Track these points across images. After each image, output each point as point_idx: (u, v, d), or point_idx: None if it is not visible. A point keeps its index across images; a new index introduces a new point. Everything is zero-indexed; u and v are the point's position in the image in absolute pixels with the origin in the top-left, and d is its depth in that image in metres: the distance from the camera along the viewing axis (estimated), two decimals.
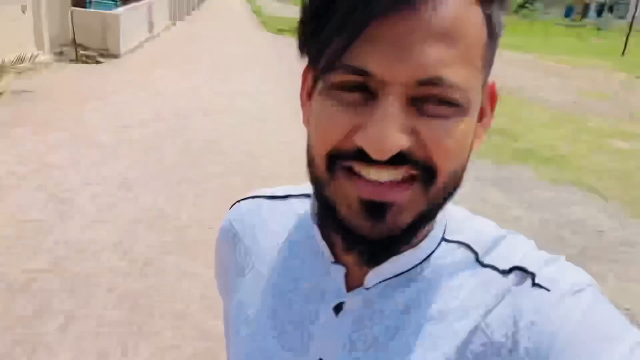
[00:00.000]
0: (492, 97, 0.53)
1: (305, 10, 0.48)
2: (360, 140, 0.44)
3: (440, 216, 0.54)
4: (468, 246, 0.56)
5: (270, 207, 0.67)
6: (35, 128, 5.77)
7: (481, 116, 0.51)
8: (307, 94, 0.54)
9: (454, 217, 0.58)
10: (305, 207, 0.63)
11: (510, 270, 0.53)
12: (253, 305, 0.62)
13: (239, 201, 0.71)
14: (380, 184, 0.45)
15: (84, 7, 11.37)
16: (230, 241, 0.68)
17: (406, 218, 0.47)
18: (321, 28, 0.45)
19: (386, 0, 0.41)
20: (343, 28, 0.43)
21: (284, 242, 0.63)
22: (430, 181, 0.46)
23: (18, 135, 5.51)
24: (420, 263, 0.55)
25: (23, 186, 4.34)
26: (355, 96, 0.45)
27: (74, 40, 9.90)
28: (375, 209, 0.46)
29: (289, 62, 12.54)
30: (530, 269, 0.52)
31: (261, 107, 7.83)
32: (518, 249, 0.55)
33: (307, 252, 0.60)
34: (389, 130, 0.42)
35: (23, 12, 8.19)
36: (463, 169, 0.49)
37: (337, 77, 0.45)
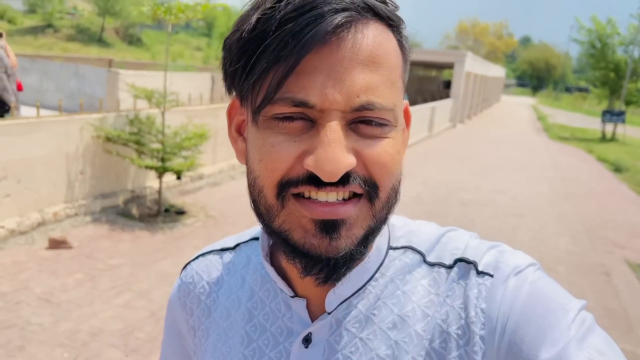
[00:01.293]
0: (407, 115, 0.57)
1: (230, 48, 0.50)
2: (311, 165, 0.46)
3: (383, 228, 0.56)
4: (413, 249, 0.59)
5: (222, 261, 0.68)
6: None
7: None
8: (237, 130, 0.57)
9: (396, 225, 0.62)
10: (256, 250, 0.66)
11: (455, 263, 0.56)
12: None
13: (189, 262, 0.71)
14: (330, 203, 0.48)
15: None
16: (189, 303, 0.68)
17: (357, 232, 0.50)
18: (253, 64, 0.46)
19: (314, 33, 0.44)
20: (276, 62, 0.45)
21: (243, 290, 0.64)
22: (374, 197, 0.49)
23: None
24: (373, 275, 0.57)
25: None
26: (298, 125, 0.47)
27: None
28: (330, 227, 0.48)
29: (563, 167, 12.15)
30: (471, 259, 0.55)
31: (521, 204, 7.86)
32: (460, 242, 0.58)
33: (266, 294, 0.62)
34: (337, 154, 0.45)
35: None
36: (399, 182, 0.53)
37: (277, 109, 0.47)
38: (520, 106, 38.99)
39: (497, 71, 36.15)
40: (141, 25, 52.53)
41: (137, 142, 5.24)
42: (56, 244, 4.38)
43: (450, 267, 0.56)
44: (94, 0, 47.84)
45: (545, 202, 8.29)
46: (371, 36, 0.47)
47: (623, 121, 20.40)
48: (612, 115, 20.45)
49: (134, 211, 5.50)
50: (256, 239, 0.67)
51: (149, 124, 5.43)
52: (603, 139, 20.72)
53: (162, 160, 5.22)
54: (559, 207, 8.03)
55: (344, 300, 0.56)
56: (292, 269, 0.56)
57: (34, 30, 45.27)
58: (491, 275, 0.53)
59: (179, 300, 0.69)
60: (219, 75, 11.28)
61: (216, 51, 49.00)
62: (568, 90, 78.39)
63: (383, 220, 0.52)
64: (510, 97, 53.53)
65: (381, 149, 0.48)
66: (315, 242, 0.48)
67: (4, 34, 8.52)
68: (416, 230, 0.61)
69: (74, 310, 3.47)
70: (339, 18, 0.45)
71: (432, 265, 0.57)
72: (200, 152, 5.68)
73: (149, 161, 5.24)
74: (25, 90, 8.69)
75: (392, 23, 0.50)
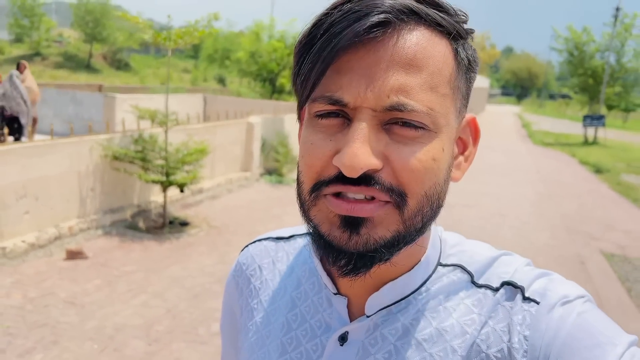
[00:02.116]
0: (474, 130, 0.57)
1: (294, 54, 0.54)
2: (337, 161, 0.48)
3: (434, 241, 0.58)
4: (463, 268, 0.58)
5: (276, 248, 0.71)
6: None
7: (463, 148, 0.57)
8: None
9: (449, 242, 0.61)
10: (309, 244, 0.65)
11: (501, 285, 0.56)
12: (263, 346, 0.65)
13: (248, 245, 0.75)
14: (354, 201, 0.50)
15: None
16: (240, 284, 0.72)
17: (382, 234, 0.50)
18: (302, 66, 0.51)
19: (348, 33, 0.47)
20: (317, 62, 0.48)
21: (290, 279, 0.67)
22: (401, 204, 0.50)
23: None
24: (418, 288, 0.57)
25: None
26: (334, 122, 0.50)
27: None
28: (352, 223, 0.50)
29: (545, 170, 12.66)
30: (519, 283, 0.54)
31: (504, 205, 8.31)
32: (510, 267, 0.57)
33: (311, 287, 0.64)
34: (359, 150, 0.47)
35: None
36: (438, 192, 0.52)
37: (316, 107, 0.50)
38: (505, 115, 39.74)
39: (481, 82, 36.97)
40: (128, 50, 52.93)
41: (143, 159, 5.63)
42: (73, 255, 4.74)
43: (496, 289, 0.56)
44: (80, 28, 48.29)
45: (528, 202, 8.76)
46: (412, 40, 0.48)
47: (603, 125, 21.02)
48: (592, 119, 21.04)
49: (141, 224, 5.87)
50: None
51: (152, 142, 5.83)
52: (585, 142, 21.30)
53: (167, 174, 5.61)
54: (540, 207, 8.50)
55: (384, 307, 0.57)
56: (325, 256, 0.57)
57: (22, 59, 45.60)
58: (537, 302, 0.52)
59: (233, 280, 0.73)
60: (210, 96, 11.72)
61: (203, 72, 49.53)
62: (552, 97, 79.62)
63: (418, 229, 0.52)
64: (495, 107, 54.37)
65: (411, 154, 0.49)
66: (337, 234, 0.51)
67: (27, 66, 9.00)
68: (469, 250, 0.60)
69: (97, 311, 3.83)
70: (375, 19, 0.47)
71: (479, 286, 0.57)
72: (202, 166, 6.08)
73: (154, 176, 5.62)
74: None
75: (443, 30, 0.51)
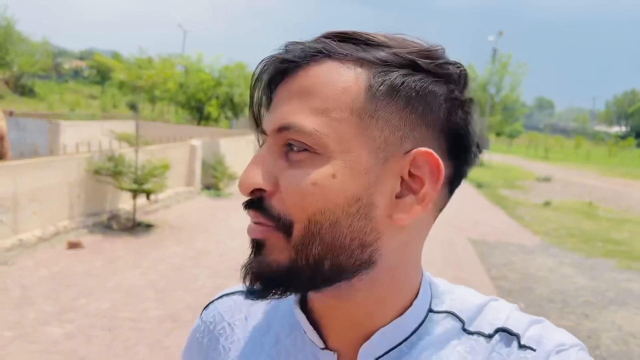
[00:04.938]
0: (433, 166, 0.51)
1: None
2: None
3: (425, 286, 0.58)
4: (455, 315, 0.58)
5: (249, 303, 0.66)
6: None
7: (418, 187, 0.52)
8: None
9: (439, 288, 0.60)
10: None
11: (496, 332, 0.55)
12: None
13: (213, 301, 0.69)
14: (255, 223, 0.52)
15: None
16: (205, 344, 0.66)
17: (275, 257, 0.51)
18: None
19: (269, 77, 0.54)
20: (252, 105, 0.56)
21: (268, 336, 0.62)
22: (288, 229, 0.50)
23: (244, 213, 8.93)
24: (410, 336, 0.56)
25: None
26: None
27: None
28: (255, 246, 0.53)
29: (457, 203, 15.21)
30: (515, 330, 0.55)
31: None
32: (501, 313, 0.57)
33: (292, 342, 0.60)
34: (249, 170, 0.51)
35: (247, 145, 12.36)
36: (333, 222, 0.49)
37: (262, 137, 0.55)
38: None
39: None
40: (28, 75, 51.12)
41: (119, 173, 7.07)
42: (73, 245, 6.09)
43: (490, 336, 0.55)
44: None
45: None
46: (311, 72, 0.51)
47: (487, 148, 24.50)
48: None
49: (115, 225, 7.25)
50: None
51: (121, 160, 7.28)
52: None
53: (140, 184, 7.09)
54: None
55: (377, 358, 0.55)
56: (325, 317, 0.56)
57: None
58: (534, 350, 0.53)
59: (195, 341, 0.68)
60: (142, 122, 12.98)
61: (112, 99, 49.18)
62: None
63: (314, 259, 0.50)
64: None
65: (291, 177, 0.49)
66: (247, 258, 0.53)
67: None
68: (459, 297, 0.59)
69: (110, 277, 5.28)
70: (284, 65, 0.52)
71: (470, 333, 0.56)
72: (166, 177, 7.60)
73: (127, 185, 7.08)
74: None
75: (359, 60, 0.51)
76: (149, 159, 7.56)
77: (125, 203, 7.75)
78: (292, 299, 0.60)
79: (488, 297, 0.60)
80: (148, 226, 7.41)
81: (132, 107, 47.68)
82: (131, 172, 7.16)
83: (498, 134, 28.66)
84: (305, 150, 0.49)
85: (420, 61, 0.51)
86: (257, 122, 0.56)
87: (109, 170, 7.00)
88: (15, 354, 3.63)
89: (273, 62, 0.53)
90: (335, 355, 0.57)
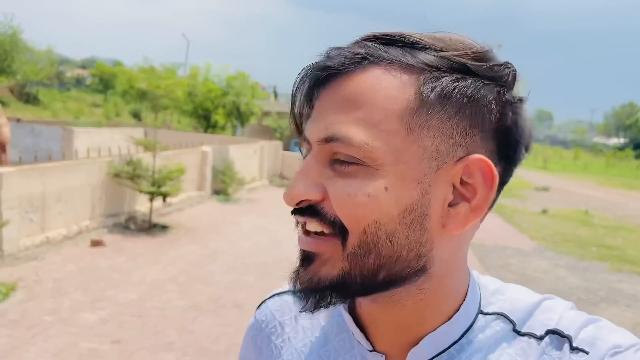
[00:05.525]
0: (487, 174, 0.50)
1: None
2: None
3: (474, 287, 0.57)
4: (505, 317, 0.56)
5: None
6: (259, 215, 9.58)
7: (470, 195, 0.51)
8: None
9: (488, 289, 0.59)
10: None
11: (546, 334, 0.53)
12: None
13: (265, 300, 0.71)
14: (307, 235, 0.52)
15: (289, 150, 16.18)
16: (259, 342, 0.68)
17: (330, 271, 0.50)
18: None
19: (311, 85, 0.53)
20: (293, 112, 0.55)
21: (316, 336, 0.63)
22: (344, 237, 0.50)
23: (253, 217, 9.33)
24: (459, 339, 0.55)
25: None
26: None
27: (281, 173, 14.43)
28: (305, 258, 0.52)
29: None
30: (566, 332, 0.52)
31: None
32: (554, 313, 0.55)
33: (341, 344, 0.61)
34: (296, 181, 0.51)
35: (255, 152, 12.82)
36: (388, 233, 0.49)
37: (304, 146, 0.55)
38: None
39: None
40: (31, 83, 51.50)
41: (137, 176, 7.48)
42: (96, 243, 6.48)
43: (541, 337, 0.53)
44: None
45: None
46: (355, 80, 0.49)
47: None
48: None
49: (132, 226, 7.64)
50: None
51: (138, 164, 7.68)
52: None
53: (157, 186, 7.49)
54: None
55: None
56: (372, 321, 0.57)
57: None
58: (586, 353, 0.50)
59: (251, 339, 0.70)
60: (150, 129, 13.39)
61: (115, 107, 49.67)
62: None
63: (369, 270, 0.50)
64: None
65: (343, 188, 0.49)
66: (295, 269, 0.53)
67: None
68: (509, 297, 0.58)
69: (134, 272, 5.67)
70: (326, 72, 0.51)
71: (522, 335, 0.54)
72: (182, 181, 8.00)
73: (146, 188, 7.48)
74: None
75: (408, 67, 0.49)
76: (165, 163, 7.96)
77: (141, 205, 8.14)
78: None
79: (542, 295, 0.58)
80: (164, 227, 7.79)
81: (136, 115, 48.20)
82: (149, 176, 7.57)
83: None
84: (355, 163, 0.49)
85: (471, 64, 0.50)
86: (298, 130, 0.56)
87: (128, 174, 7.40)
88: (58, 336, 4.01)
89: (314, 70, 0.52)
90: (384, 358, 0.57)
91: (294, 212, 0.52)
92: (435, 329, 0.54)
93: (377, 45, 0.51)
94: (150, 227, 7.64)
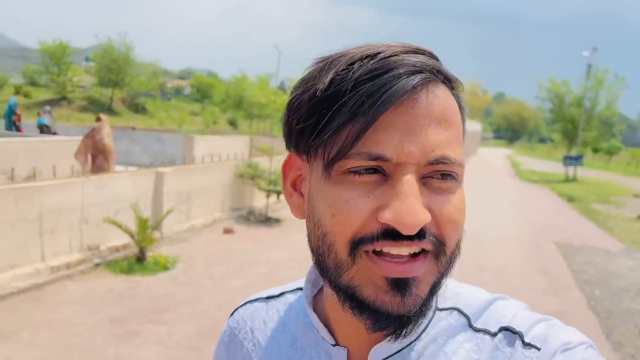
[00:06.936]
0: None
1: (300, 107, 0.52)
2: (389, 219, 0.47)
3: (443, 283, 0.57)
4: (460, 311, 0.58)
5: (267, 308, 0.70)
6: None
7: None
8: (292, 185, 0.59)
9: (445, 287, 0.60)
10: (300, 299, 0.68)
11: (499, 330, 0.55)
12: None
13: (237, 308, 0.74)
14: (403, 261, 0.49)
15: None
16: (232, 349, 0.71)
17: (425, 289, 0.51)
18: (328, 121, 0.48)
19: (393, 92, 0.47)
20: (352, 119, 0.47)
21: (284, 336, 0.66)
22: (440, 253, 0.51)
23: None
24: (420, 335, 0.57)
25: None
26: (371, 179, 0.49)
27: None
28: (401, 285, 0.49)
29: (526, 199, 15.82)
30: (517, 329, 0.54)
31: (490, 220, 11.46)
32: (508, 311, 0.57)
33: (307, 341, 0.63)
34: (415, 207, 0.47)
35: None
36: (461, 238, 0.53)
37: (352, 163, 0.48)
38: (497, 156, 43.04)
39: (474, 126, 40.49)
40: (138, 93, 55.89)
41: (257, 177, 8.85)
42: (228, 231, 7.88)
43: (494, 334, 0.55)
44: (96, 73, 51.91)
45: (508, 216, 11.92)
46: (441, 96, 0.49)
47: (581, 164, 24.08)
48: (571, 159, 23.84)
49: (252, 218, 9.02)
50: (301, 288, 0.69)
51: (257, 166, 9.05)
52: (566, 180, 24.21)
53: (273, 185, 8.82)
54: (517, 219, 11.67)
55: (388, 357, 0.56)
56: (335, 318, 0.59)
57: (49, 103, 49.06)
58: (538, 349, 0.52)
59: (223, 346, 0.72)
60: (254, 137, 14.90)
61: (212, 116, 53.02)
62: (542, 140, 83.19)
63: (445, 276, 0.53)
64: (487, 149, 57.55)
65: (452, 207, 0.50)
66: (387, 299, 0.49)
67: (104, 119, 8.66)
68: (464, 293, 0.60)
69: (261, 253, 6.94)
70: (417, 79, 0.48)
71: (477, 330, 0.56)
72: None
73: (264, 186, 8.83)
74: (116, 153, 11.59)
75: (453, 85, 0.52)
76: (278, 166, 9.28)
77: (259, 201, 9.52)
78: (303, 301, 0.65)
79: (495, 295, 0.59)
80: (277, 220, 9.10)
81: (232, 123, 51.39)
82: (266, 176, 8.91)
83: (595, 150, 27.57)
84: (454, 178, 0.50)
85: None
86: (352, 143, 0.48)
87: (250, 175, 8.78)
88: (218, 294, 5.31)
89: (392, 76, 0.48)
90: (346, 351, 0.59)
91: (400, 237, 0.48)
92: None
93: (433, 59, 0.51)
94: (266, 220, 8.97)
